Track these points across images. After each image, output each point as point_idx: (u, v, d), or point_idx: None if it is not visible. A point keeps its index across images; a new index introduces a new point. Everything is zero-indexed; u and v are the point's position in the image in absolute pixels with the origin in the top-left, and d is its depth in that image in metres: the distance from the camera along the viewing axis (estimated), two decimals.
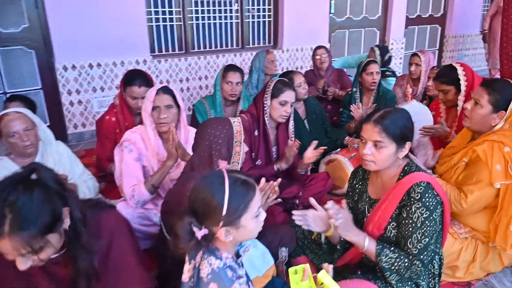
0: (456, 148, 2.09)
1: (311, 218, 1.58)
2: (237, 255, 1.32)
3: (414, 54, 3.59)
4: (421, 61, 3.52)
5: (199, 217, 1.16)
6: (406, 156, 1.60)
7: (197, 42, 4.62)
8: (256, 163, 2.38)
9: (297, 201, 2.39)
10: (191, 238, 1.15)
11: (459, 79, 2.37)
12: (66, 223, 1.16)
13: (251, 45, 4.98)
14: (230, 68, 2.84)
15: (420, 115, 2.58)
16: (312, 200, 1.61)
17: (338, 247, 1.70)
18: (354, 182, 1.82)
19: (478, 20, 6.95)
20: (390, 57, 4.09)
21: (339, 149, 2.85)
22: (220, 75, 2.84)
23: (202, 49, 4.66)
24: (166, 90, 2.04)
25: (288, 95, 2.30)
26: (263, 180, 1.78)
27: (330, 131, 3.25)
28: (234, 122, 1.74)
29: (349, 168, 2.67)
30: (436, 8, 6.48)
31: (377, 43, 6.02)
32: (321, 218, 1.60)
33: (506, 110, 1.86)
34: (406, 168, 1.59)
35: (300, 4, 4.95)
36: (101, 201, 1.50)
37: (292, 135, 2.47)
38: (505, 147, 1.79)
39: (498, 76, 5.63)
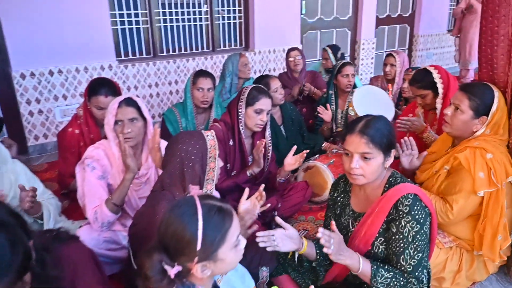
0: (437, 154, 2.04)
1: (278, 238, 1.45)
2: (214, 286, 1.20)
3: (389, 55, 3.56)
4: (396, 62, 3.49)
5: (171, 253, 1.03)
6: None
7: (166, 45, 4.44)
8: (232, 174, 2.25)
9: (276, 213, 2.28)
10: (163, 277, 1.02)
11: (435, 83, 2.33)
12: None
13: (222, 48, 4.84)
14: (201, 73, 2.70)
15: (378, 92, 2.57)
16: (279, 219, 1.49)
17: (314, 264, 1.59)
18: (336, 195, 1.72)
19: (445, 19, 7.08)
20: (342, 54, 4.09)
21: (317, 155, 2.77)
22: (190, 81, 2.69)
23: (171, 52, 4.48)
24: (129, 102, 1.88)
25: (264, 103, 2.19)
26: (247, 190, 1.67)
27: (307, 137, 3.17)
28: (207, 135, 1.61)
29: (328, 175, 2.58)
30: (405, 8, 6.54)
31: (349, 44, 6.03)
32: (290, 236, 1.47)
33: (487, 115, 1.81)
34: (391, 179, 1.51)
35: (270, 5, 4.85)
36: (61, 232, 1.34)
37: (270, 144, 2.36)
38: (487, 153, 1.74)
39: (470, 76, 5.75)
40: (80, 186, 1.95)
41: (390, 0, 6.29)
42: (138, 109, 1.90)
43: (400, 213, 1.41)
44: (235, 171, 2.25)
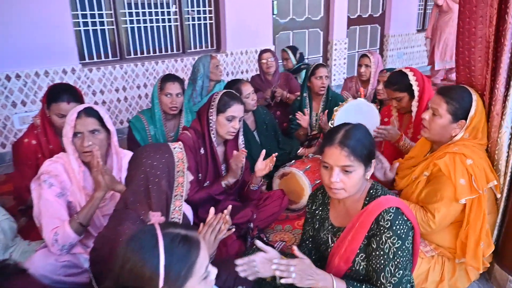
0: (415, 159, 1.98)
1: (259, 264, 1.33)
2: None
3: (364, 55, 3.52)
4: (370, 62, 3.45)
5: None
6: None
7: (133, 47, 4.24)
8: (204, 185, 2.12)
9: (251, 225, 2.16)
10: None
11: (411, 85, 2.28)
12: None
13: (192, 49, 4.69)
14: (168, 78, 2.55)
15: (368, 113, 2.49)
16: (259, 243, 1.37)
17: None
18: (314, 208, 1.63)
19: (414, 19, 7.17)
20: (301, 54, 4.07)
21: (293, 161, 2.67)
22: (157, 86, 2.53)
23: (139, 55, 4.29)
24: (89, 112, 1.71)
25: (235, 110, 2.07)
26: (211, 211, 1.53)
27: (283, 142, 3.07)
28: (174, 148, 1.47)
29: (305, 182, 2.49)
30: (375, 8, 6.57)
31: (321, 44, 5.99)
32: (272, 259, 1.33)
33: (465, 119, 1.76)
34: (371, 191, 1.43)
35: (241, 5, 4.73)
36: (6, 265, 1.17)
37: (243, 151, 2.23)
38: (467, 159, 1.68)
39: (440, 75, 5.82)
40: (36, 204, 1.76)
41: (360, 1, 6.30)
42: (100, 119, 1.74)
43: (381, 228, 1.32)
44: (208, 182, 2.11)
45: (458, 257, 1.78)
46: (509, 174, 1.76)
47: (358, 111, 2.45)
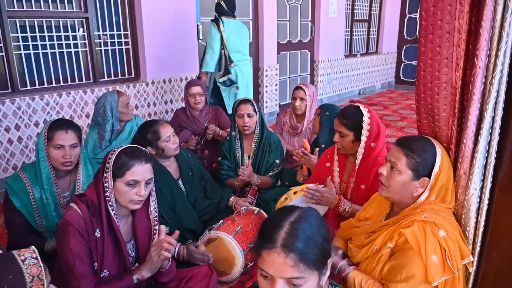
0: (373, 222, 1.63)
1: None
2: None
3: (298, 88, 3.21)
4: (306, 95, 3.15)
5: None
6: None
7: (29, 77, 3.54)
8: (102, 275, 1.57)
9: None
10: None
11: (361, 127, 1.97)
12: None
13: (106, 78, 4.08)
14: (59, 125, 1.96)
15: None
16: None
17: None
18: None
19: (342, 45, 7.21)
20: None
21: (221, 222, 2.19)
22: (43, 136, 1.94)
23: (37, 86, 3.59)
24: None
25: (138, 172, 1.55)
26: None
27: (211, 189, 2.60)
28: (25, 260, 0.96)
29: (235, 248, 2.03)
30: (304, 34, 6.47)
31: (251, 70, 5.68)
32: None
33: (429, 177, 1.46)
34: None
35: (162, 29, 4.25)
36: None
37: (156, 222, 1.72)
38: (439, 230, 1.37)
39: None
40: None
41: (289, 26, 6.15)
42: None
43: None
44: (105, 271, 1.56)
45: None
46: (478, 243, 1.47)
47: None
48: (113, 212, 1.54)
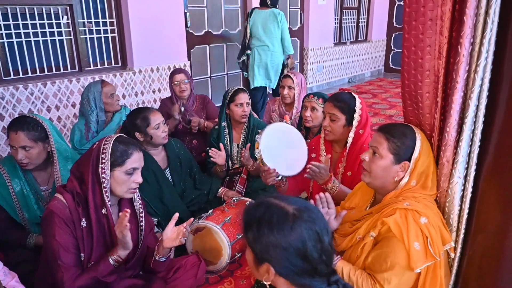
0: (357, 211, 1.65)
1: None
2: None
3: (286, 76, 3.19)
4: (294, 84, 3.13)
5: None
6: None
7: (13, 66, 3.46)
8: (89, 265, 1.56)
9: None
10: None
11: (354, 111, 2.00)
12: None
13: (92, 67, 4.01)
14: (12, 125, 1.86)
15: (293, 138, 2.12)
16: None
17: None
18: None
19: (331, 32, 7.18)
20: None
21: (210, 211, 2.19)
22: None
23: (21, 75, 3.52)
24: None
25: (136, 159, 1.58)
26: None
27: (200, 180, 2.59)
28: None
29: (223, 239, 2.04)
30: (294, 21, 6.41)
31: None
32: None
33: (409, 161, 1.47)
34: None
35: (149, 16, 4.18)
36: None
37: (140, 208, 1.71)
38: (421, 217, 1.38)
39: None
40: None
41: None
42: None
43: None
44: (92, 262, 1.55)
45: None
46: (462, 230, 1.48)
47: (282, 137, 2.07)
48: (110, 203, 1.53)
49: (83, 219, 1.51)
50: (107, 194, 1.53)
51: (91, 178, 1.52)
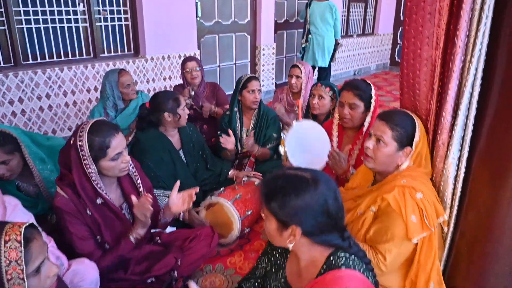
0: (359, 190, 1.79)
1: None
2: None
3: (294, 66, 3.32)
4: (301, 73, 3.26)
5: None
6: None
7: (31, 51, 3.61)
8: (106, 247, 1.70)
9: (175, 274, 1.81)
10: None
11: (370, 97, 2.15)
12: None
13: (106, 54, 4.15)
14: None
15: (316, 133, 2.23)
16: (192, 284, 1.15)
17: None
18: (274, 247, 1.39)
19: None
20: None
21: (222, 188, 2.35)
22: None
23: (39, 60, 3.67)
24: None
25: (117, 144, 1.59)
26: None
27: (211, 162, 2.74)
28: (7, 242, 1.00)
29: (233, 214, 2.20)
30: (302, 13, 6.50)
31: (249, 49, 5.76)
32: None
33: (411, 146, 1.60)
34: (331, 258, 1.15)
35: (161, 6, 4.30)
36: None
37: (136, 176, 1.82)
38: (417, 193, 1.52)
39: None
40: None
41: (287, 5, 6.18)
42: None
43: None
44: (106, 244, 1.68)
45: None
46: (455, 207, 1.63)
47: (307, 134, 2.19)
48: (104, 192, 1.62)
49: (87, 209, 1.60)
50: (98, 185, 1.59)
51: (78, 175, 1.55)
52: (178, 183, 1.81)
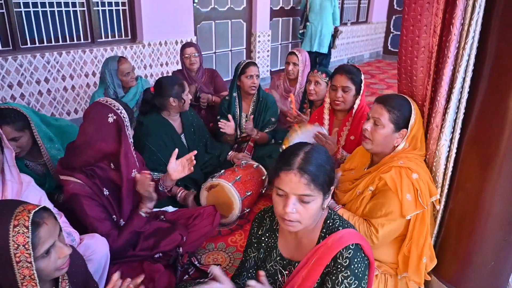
0: (356, 171, 1.88)
1: None
2: None
3: (291, 53, 3.38)
4: (298, 60, 3.33)
5: None
6: None
7: (30, 35, 3.61)
8: (120, 224, 1.78)
9: (181, 250, 1.90)
10: None
11: (361, 81, 2.29)
12: None
13: (104, 39, 4.17)
14: None
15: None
16: (216, 270, 1.17)
17: None
18: (260, 233, 1.42)
19: None
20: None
21: (222, 171, 2.44)
22: None
23: (37, 44, 3.68)
24: None
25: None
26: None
27: (211, 145, 2.82)
28: (16, 226, 0.99)
29: (234, 194, 2.29)
30: (297, 0, 6.53)
31: (245, 35, 5.79)
32: None
33: (406, 128, 1.70)
34: (328, 221, 1.27)
35: None
36: None
37: (146, 173, 1.84)
38: (413, 173, 1.62)
39: None
40: None
41: None
42: None
43: (339, 266, 1.18)
44: (121, 220, 1.77)
45: (400, 272, 1.74)
46: (446, 186, 1.73)
47: (310, 139, 2.27)
48: (108, 192, 1.72)
49: (104, 189, 1.69)
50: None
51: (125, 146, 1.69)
52: (176, 150, 1.86)
